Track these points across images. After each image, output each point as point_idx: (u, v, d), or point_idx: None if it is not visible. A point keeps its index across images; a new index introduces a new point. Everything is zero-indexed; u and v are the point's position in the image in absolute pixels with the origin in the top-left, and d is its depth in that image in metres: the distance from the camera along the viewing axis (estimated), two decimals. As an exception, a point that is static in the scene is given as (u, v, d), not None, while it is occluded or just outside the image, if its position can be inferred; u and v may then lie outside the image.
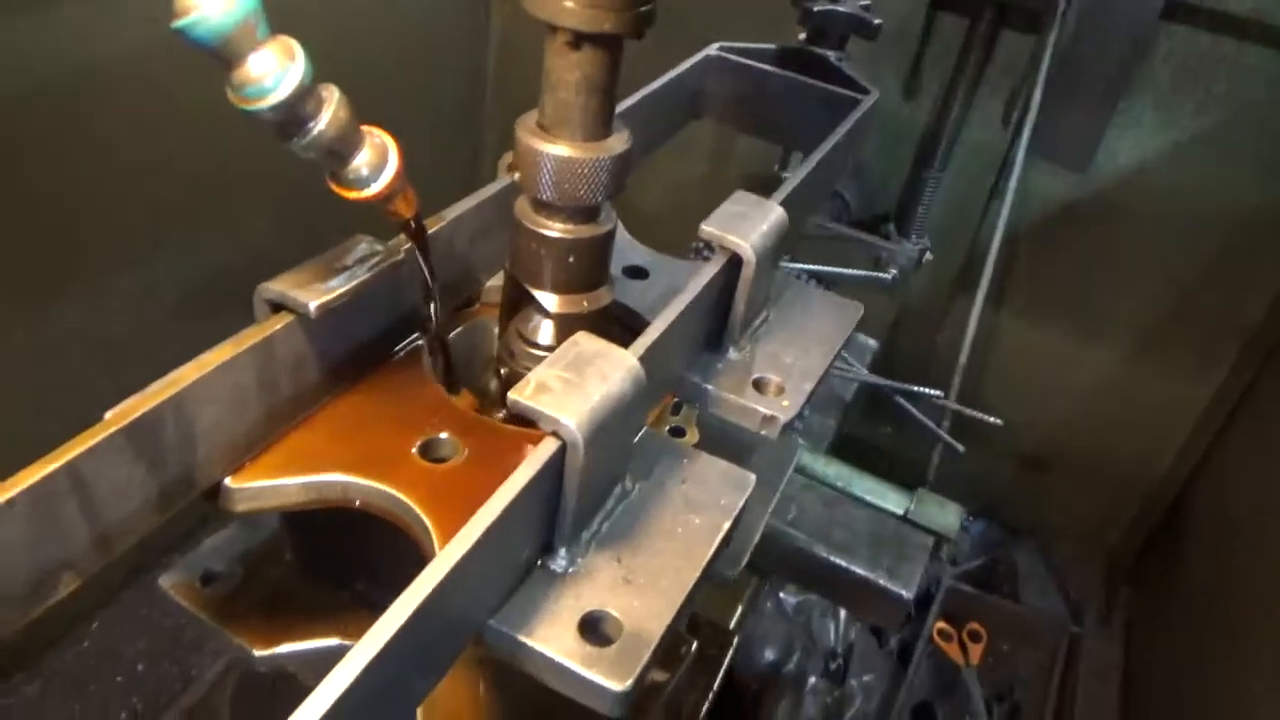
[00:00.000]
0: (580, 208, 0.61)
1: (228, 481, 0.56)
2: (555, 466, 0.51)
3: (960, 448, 1.49)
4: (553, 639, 0.50)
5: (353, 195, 0.49)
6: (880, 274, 1.39)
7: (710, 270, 0.67)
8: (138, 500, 0.50)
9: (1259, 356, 1.56)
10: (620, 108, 0.91)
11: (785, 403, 0.71)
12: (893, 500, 1.29)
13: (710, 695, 1.08)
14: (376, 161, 0.49)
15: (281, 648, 0.67)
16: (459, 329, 0.75)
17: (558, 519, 0.53)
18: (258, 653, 0.67)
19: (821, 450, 1.43)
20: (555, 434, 0.50)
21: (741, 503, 0.61)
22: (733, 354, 0.73)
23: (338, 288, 0.57)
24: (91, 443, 0.46)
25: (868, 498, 1.29)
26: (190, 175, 1.37)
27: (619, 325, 0.78)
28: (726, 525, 0.60)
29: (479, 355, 0.76)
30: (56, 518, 0.45)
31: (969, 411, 1.42)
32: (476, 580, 0.48)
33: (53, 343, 1.31)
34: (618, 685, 0.49)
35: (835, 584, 1.16)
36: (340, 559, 0.71)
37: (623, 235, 0.86)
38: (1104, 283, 1.67)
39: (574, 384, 0.52)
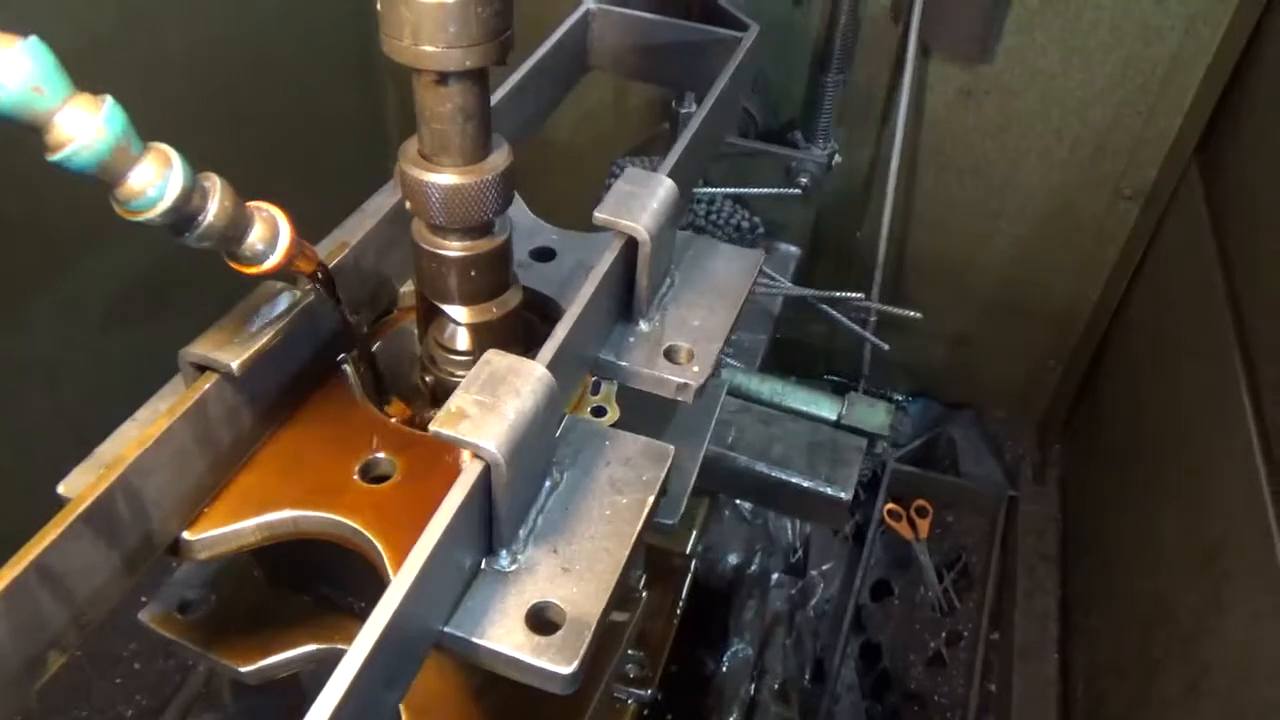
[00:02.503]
0: (474, 226, 0.65)
1: (185, 535, 0.60)
2: (483, 485, 0.56)
3: (885, 346, 1.56)
4: (503, 636, 0.56)
5: (253, 271, 0.52)
6: (789, 189, 1.42)
7: (608, 258, 0.71)
8: (104, 574, 0.54)
9: (1155, 216, 1.64)
10: (512, 79, 0.94)
11: (696, 368, 0.76)
12: (826, 407, 1.37)
13: (675, 621, 1.17)
14: (269, 235, 0.52)
15: (264, 660, 0.73)
16: (381, 340, 0.78)
17: (494, 526, 0.59)
18: (243, 669, 0.72)
19: (755, 366, 1.49)
20: (479, 456, 0.55)
21: (662, 475, 0.67)
22: (643, 325, 0.78)
23: (257, 341, 0.60)
24: (52, 537, 0.49)
25: (802, 408, 1.36)
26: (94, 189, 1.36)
27: (532, 310, 0.82)
28: (650, 500, 0.65)
29: (405, 359, 0.80)
30: (34, 610, 0.49)
31: (889, 309, 1.49)
32: (427, 597, 0.54)
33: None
34: (565, 668, 0.55)
35: (778, 496, 1.23)
36: (303, 569, 0.76)
37: (529, 218, 0.89)
38: (1006, 159, 1.72)
39: (489, 406, 0.56)
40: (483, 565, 0.60)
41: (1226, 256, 1.31)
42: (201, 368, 0.60)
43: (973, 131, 1.70)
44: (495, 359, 0.59)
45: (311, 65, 1.74)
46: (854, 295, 1.44)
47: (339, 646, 0.74)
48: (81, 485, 0.59)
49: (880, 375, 2.08)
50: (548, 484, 0.65)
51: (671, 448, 0.69)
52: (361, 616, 0.74)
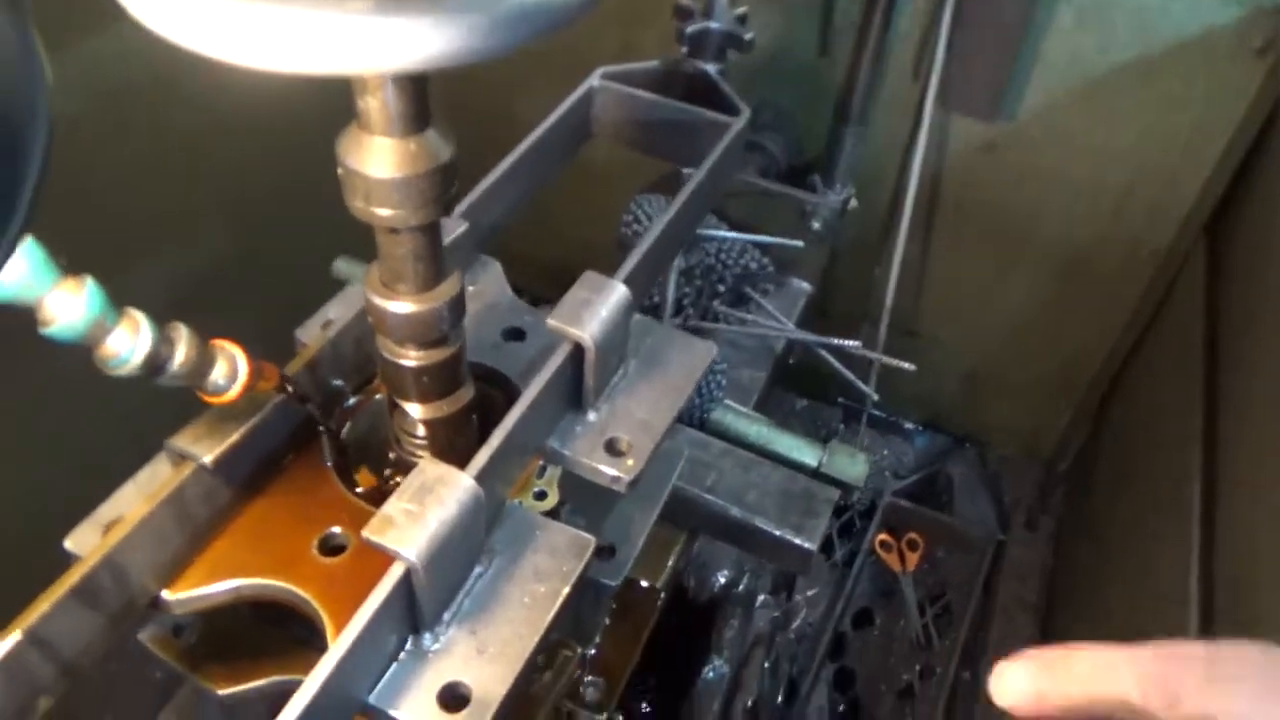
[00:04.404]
0: (427, 341, 0.73)
1: (164, 594, 0.71)
2: (405, 584, 0.65)
3: (875, 395, 1.62)
4: (415, 711, 0.66)
5: (216, 400, 0.62)
6: (792, 241, 1.48)
7: (554, 363, 0.80)
8: (89, 634, 0.65)
9: (1165, 281, 1.65)
10: (524, 144, 1.02)
11: (630, 462, 0.83)
12: (808, 453, 1.43)
13: (638, 650, 1.26)
14: (229, 371, 0.62)
15: (239, 686, 0.84)
16: (358, 415, 0.88)
17: (417, 613, 0.68)
18: (221, 692, 0.84)
19: (751, 404, 1.57)
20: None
21: (580, 568, 0.76)
22: (591, 415, 0.86)
23: (231, 435, 0.70)
24: (43, 609, 0.60)
25: (785, 453, 1.43)
26: (152, 194, 1.49)
27: (497, 388, 0.91)
28: (566, 590, 0.74)
29: (380, 430, 0.89)
30: (25, 668, 0.60)
31: (884, 359, 1.54)
32: (351, 675, 0.64)
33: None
34: (464, 743, 0.65)
35: (749, 539, 1.31)
36: (281, 609, 0.87)
37: (507, 298, 0.98)
38: (1023, 212, 1.75)
39: (415, 514, 0.65)
40: (408, 644, 0.70)
41: (1213, 334, 1.33)
42: (183, 456, 0.70)
43: (991, 183, 1.73)
44: (428, 469, 0.68)
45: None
46: (851, 343, 1.50)
47: (303, 678, 0.84)
48: (84, 543, 0.71)
49: (893, 403, 2.14)
50: (478, 569, 0.74)
51: (592, 540, 0.77)
52: (324, 657, 0.85)
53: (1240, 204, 1.49)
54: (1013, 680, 0.47)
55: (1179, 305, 1.58)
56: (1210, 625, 1.06)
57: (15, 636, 0.59)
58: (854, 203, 1.69)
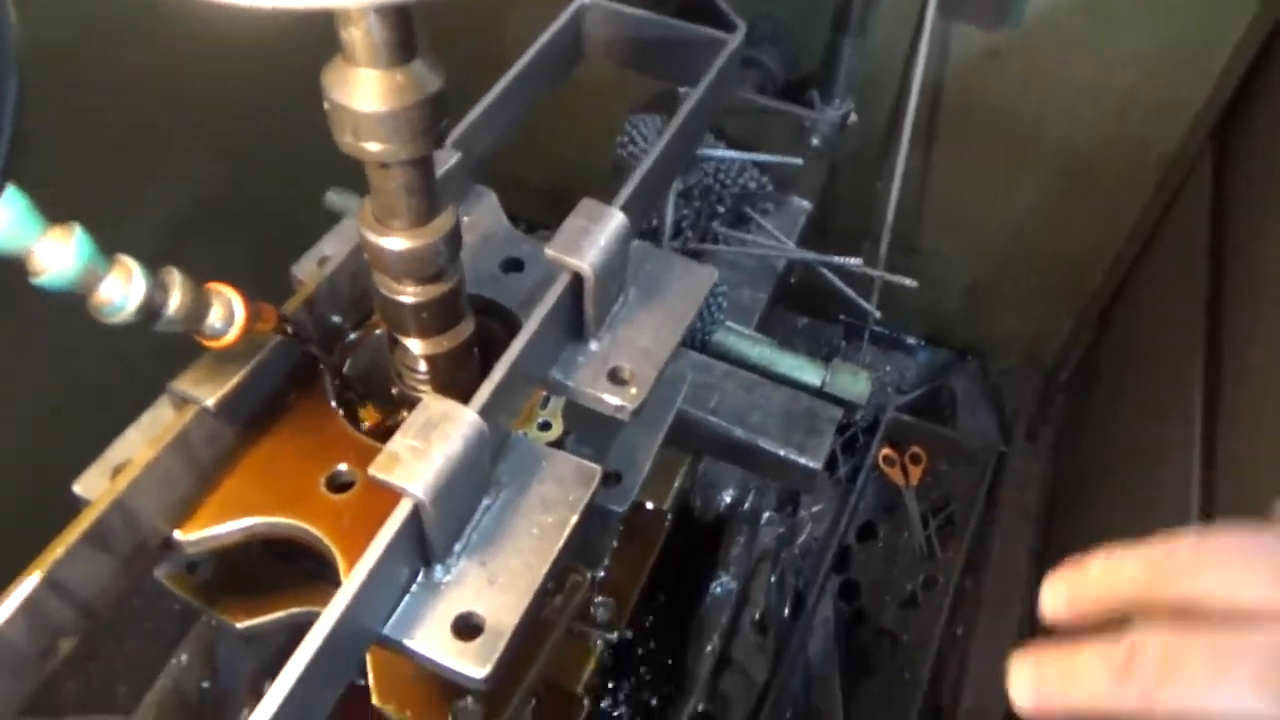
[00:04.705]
0: (424, 277, 0.73)
1: (176, 534, 0.72)
2: (414, 520, 0.66)
3: (877, 312, 1.62)
4: (430, 641, 0.67)
5: (214, 344, 0.62)
6: (791, 159, 1.45)
7: (554, 294, 0.79)
8: (105, 576, 0.66)
9: (1172, 188, 1.63)
10: (515, 68, 1.00)
11: (633, 390, 0.83)
12: (811, 373, 1.43)
13: (646, 571, 1.28)
14: (226, 314, 0.61)
15: (256, 619, 0.86)
16: (358, 351, 0.87)
17: (427, 547, 0.69)
18: (239, 625, 0.86)
19: (753, 325, 1.56)
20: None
21: (587, 497, 0.76)
22: (593, 345, 0.86)
23: (232, 377, 0.70)
24: (58, 553, 0.61)
25: (788, 373, 1.43)
26: (138, 127, 1.46)
27: (497, 320, 0.90)
28: (574, 519, 0.75)
29: (380, 365, 0.89)
30: (44, 612, 0.61)
31: (886, 276, 1.53)
32: (365, 609, 0.65)
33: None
34: (480, 671, 0.66)
35: (753, 459, 1.32)
36: (293, 544, 0.88)
37: (503, 228, 0.96)
38: (1028, 118, 1.71)
39: (420, 451, 0.66)
40: (420, 576, 0.71)
41: (1219, 240, 1.32)
42: (184, 399, 0.70)
43: (995, 90, 1.69)
44: (432, 405, 0.68)
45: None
46: (853, 261, 1.49)
47: (318, 610, 0.86)
48: (93, 487, 0.71)
49: (895, 319, 2.13)
50: (486, 502, 0.75)
51: (598, 469, 0.78)
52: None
53: (1248, 108, 1.45)
54: (1048, 598, 0.54)
55: (1185, 210, 1.56)
56: (1210, 532, 1.07)
57: (34, 578, 0.59)
58: (853, 117, 1.66)
